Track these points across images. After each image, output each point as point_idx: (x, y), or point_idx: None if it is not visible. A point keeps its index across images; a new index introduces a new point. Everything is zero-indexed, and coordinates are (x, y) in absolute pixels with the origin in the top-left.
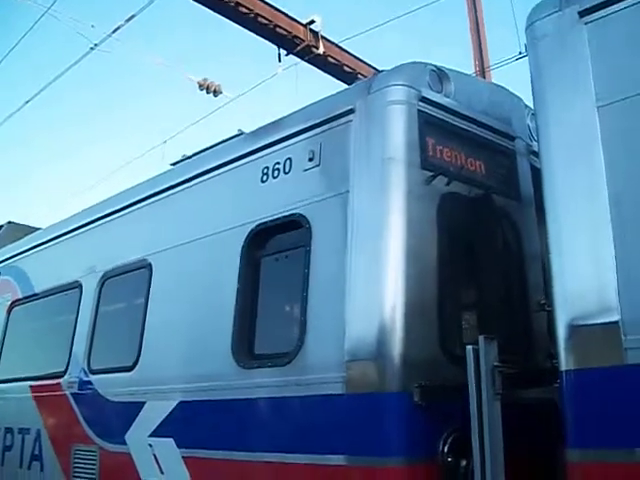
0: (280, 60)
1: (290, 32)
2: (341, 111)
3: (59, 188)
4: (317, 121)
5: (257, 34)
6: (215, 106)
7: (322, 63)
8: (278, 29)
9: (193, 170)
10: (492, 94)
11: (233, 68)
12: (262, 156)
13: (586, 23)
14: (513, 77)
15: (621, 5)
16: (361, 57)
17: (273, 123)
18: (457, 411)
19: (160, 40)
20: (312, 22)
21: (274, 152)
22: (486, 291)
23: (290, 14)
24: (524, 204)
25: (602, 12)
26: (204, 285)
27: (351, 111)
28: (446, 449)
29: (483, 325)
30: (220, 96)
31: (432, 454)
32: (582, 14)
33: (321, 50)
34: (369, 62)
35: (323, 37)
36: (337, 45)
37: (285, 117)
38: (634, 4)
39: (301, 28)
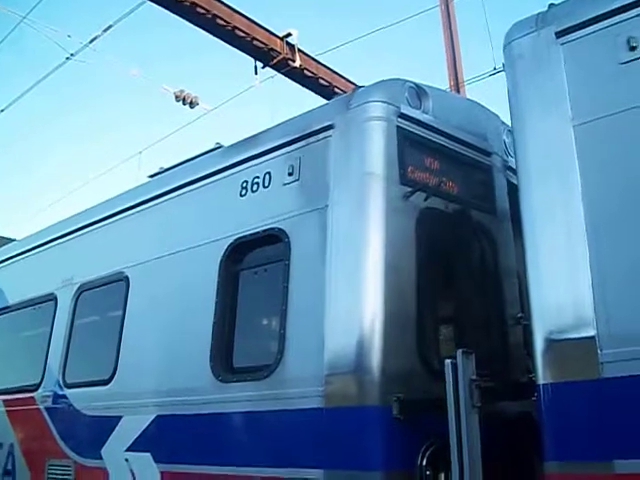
0: (256, 73)
1: (267, 45)
2: (320, 126)
3: (32, 198)
4: (297, 136)
5: (234, 46)
6: (192, 117)
7: (298, 76)
8: (255, 42)
9: (171, 183)
10: (469, 110)
11: (211, 80)
12: (241, 170)
13: (562, 44)
14: (488, 91)
15: (596, 27)
16: (337, 70)
17: (252, 137)
18: (436, 424)
19: (137, 51)
20: (289, 35)
21: (254, 166)
22: (464, 305)
23: (267, 27)
24: (500, 219)
25: (578, 33)
26: (182, 298)
27: (330, 127)
28: (425, 462)
29: (461, 338)
30: (197, 108)
31: (411, 467)
32: (558, 35)
33: (297, 63)
34: (345, 75)
35: (299, 50)
36: (313, 58)
37: (265, 131)
38: (609, 26)
39: (278, 41)
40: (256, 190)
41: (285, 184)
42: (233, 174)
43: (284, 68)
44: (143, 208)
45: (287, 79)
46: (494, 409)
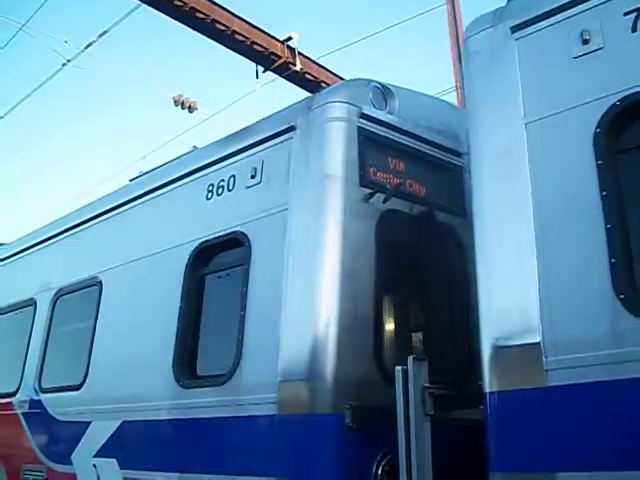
0: (257, 77)
1: (267, 49)
2: (283, 128)
3: (37, 205)
4: (260, 138)
5: (234, 51)
6: (195, 122)
7: (300, 80)
8: (255, 46)
9: (143, 187)
10: (439, 111)
11: (211, 84)
12: (208, 173)
13: (517, 39)
14: None
15: (550, 21)
16: (339, 73)
17: (221, 140)
18: (391, 433)
19: (135, 55)
20: (289, 39)
21: (219, 169)
22: (427, 310)
23: (267, 31)
24: (471, 220)
25: (532, 28)
26: (149, 303)
27: (292, 128)
28: (380, 472)
29: (424, 345)
30: (196, 112)
31: (365, 477)
32: (514, 30)
33: (298, 67)
34: (346, 79)
35: (300, 54)
36: (314, 62)
37: (231, 134)
38: (562, 20)
39: (278, 45)
40: (221, 193)
41: (248, 187)
42: (200, 177)
43: (285, 72)
44: (117, 212)
45: (289, 82)
46: (448, 417)
